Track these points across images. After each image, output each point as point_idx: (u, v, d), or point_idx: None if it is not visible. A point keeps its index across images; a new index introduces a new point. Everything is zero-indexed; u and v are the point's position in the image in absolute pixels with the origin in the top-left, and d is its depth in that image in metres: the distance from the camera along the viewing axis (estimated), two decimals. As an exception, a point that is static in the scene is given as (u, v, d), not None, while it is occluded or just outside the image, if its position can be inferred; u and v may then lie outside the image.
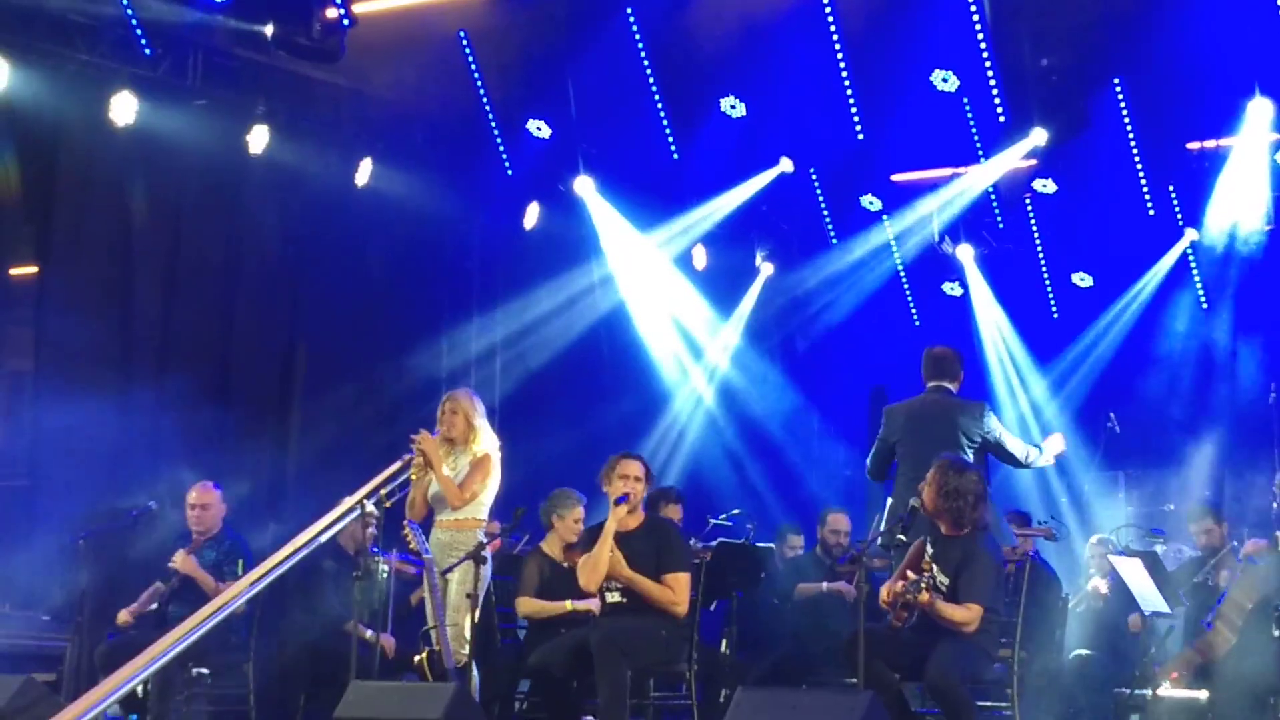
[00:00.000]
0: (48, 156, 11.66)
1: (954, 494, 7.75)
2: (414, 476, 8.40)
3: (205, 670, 9.36)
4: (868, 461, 9.63)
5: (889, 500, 9.47)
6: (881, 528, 9.10)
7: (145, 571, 10.00)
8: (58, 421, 11.30)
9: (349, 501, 7.97)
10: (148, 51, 11.15)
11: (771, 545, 11.32)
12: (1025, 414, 14.89)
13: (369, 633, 9.19)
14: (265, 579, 7.38)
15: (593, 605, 8.95)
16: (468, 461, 8.52)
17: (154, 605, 9.71)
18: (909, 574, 7.74)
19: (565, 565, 10.15)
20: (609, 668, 8.04)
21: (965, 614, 7.58)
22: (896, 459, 9.32)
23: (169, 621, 9.38)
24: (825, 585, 10.92)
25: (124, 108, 11.11)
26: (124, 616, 9.71)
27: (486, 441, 8.61)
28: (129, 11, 10.88)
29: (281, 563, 7.34)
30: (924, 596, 7.50)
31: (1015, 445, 9.26)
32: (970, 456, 8.88)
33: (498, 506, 8.83)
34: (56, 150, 11.66)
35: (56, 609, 10.71)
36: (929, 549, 7.77)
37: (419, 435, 8.45)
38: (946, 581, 7.72)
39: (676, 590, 8.36)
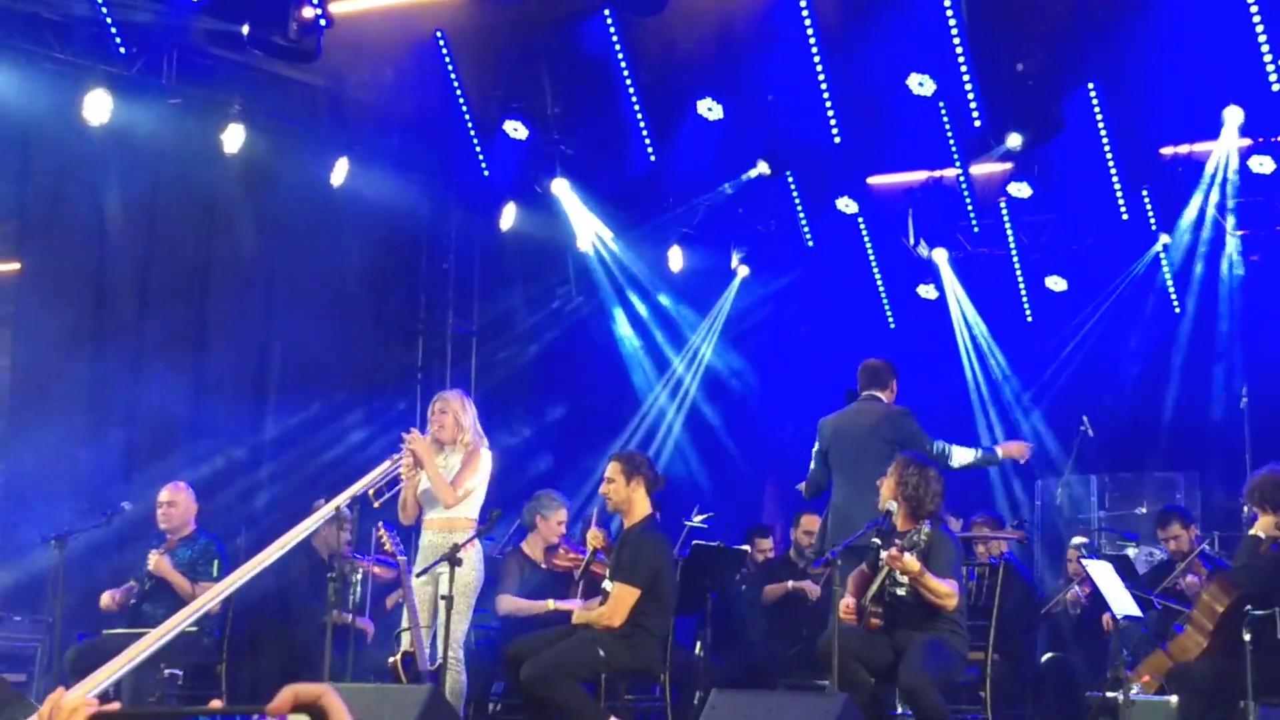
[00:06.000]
0: (21, 154, 11.60)
1: (914, 487, 7.92)
2: (405, 476, 8.41)
3: (178, 671, 9.33)
4: (805, 482, 9.73)
5: (828, 511, 9.56)
6: (828, 539, 9.20)
7: (117, 573, 9.97)
8: (32, 420, 11.26)
9: (335, 503, 7.95)
10: (122, 50, 11.11)
11: (746, 548, 11.35)
12: (996, 418, 14.94)
13: (349, 617, 9.20)
14: (243, 581, 7.34)
15: (574, 605, 8.97)
16: (459, 459, 8.53)
17: (132, 600, 9.70)
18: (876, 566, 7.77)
19: (544, 567, 10.21)
20: (554, 694, 8.04)
21: (948, 587, 7.66)
22: (831, 470, 9.45)
23: (141, 622, 9.39)
24: (790, 584, 11.00)
25: (98, 106, 11.04)
26: (107, 599, 9.70)
27: (477, 440, 8.62)
28: (103, 10, 10.84)
29: (260, 565, 7.30)
30: (913, 565, 7.55)
31: (927, 444, 9.33)
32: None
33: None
34: (30, 148, 11.61)
35: (27, 609, 10.65)
36: (888, 550, 7.78)
37: (409, 434, 8.46)
38: (905, 587, 7.78)
39: (610, 599, 8.29)
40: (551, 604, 9.61)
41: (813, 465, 9.62)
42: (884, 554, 7.70)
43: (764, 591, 11.07)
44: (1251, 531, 8.45)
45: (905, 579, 7.73)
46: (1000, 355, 15.03)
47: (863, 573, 8.16)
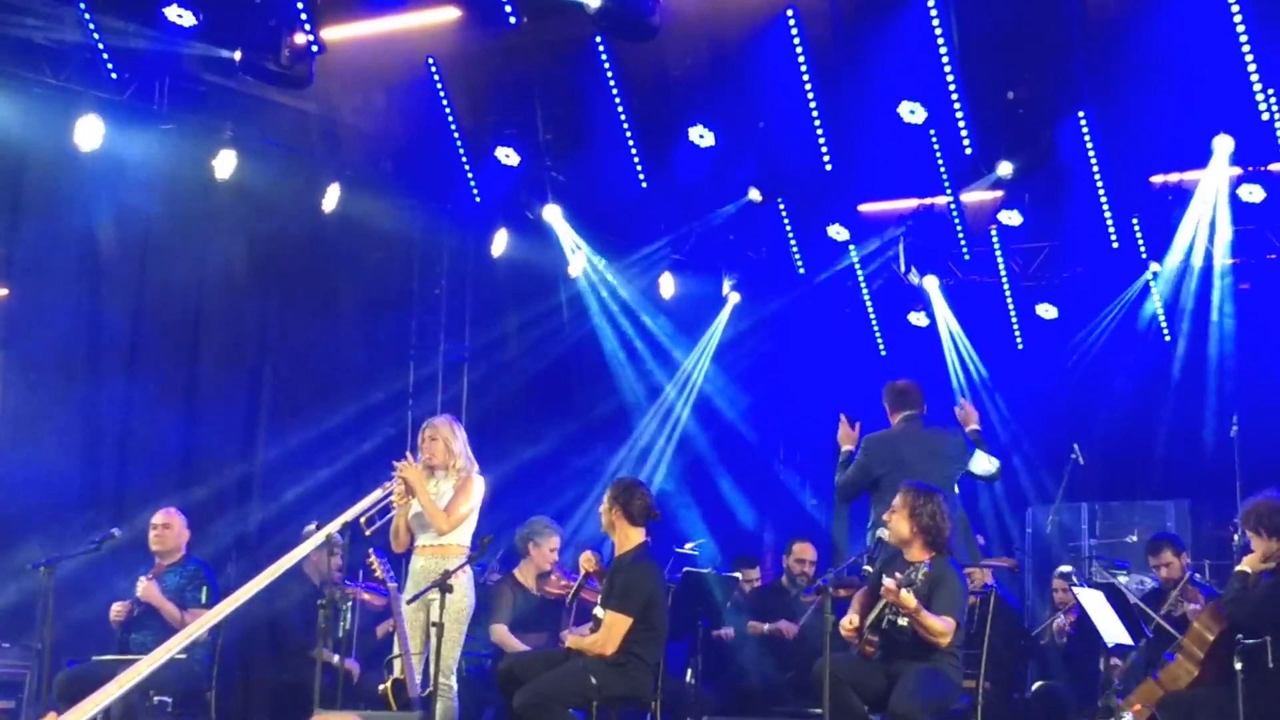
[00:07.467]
0: (13, 180, 11.59)
1: (929, 516, 7.87)
2: (396, 504, 8.39)
3: (168, 699, 9.29)
4: (842, 484, 9.57)
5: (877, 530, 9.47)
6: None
7: (107, 599, 9.93)
8: (23, 446, 11.23)
9: (326, 530, 7.94)
10: (114, 75, 11.11)
11: (737, 575, 11.34)
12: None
13: (335, 658, 9.17)
14: (234, 608, 7.33)
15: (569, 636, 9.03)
16: (451, 485, 8.51)
17: (121, 627, 9.67)
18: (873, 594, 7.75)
19: (537, 594, 10.20)
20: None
21: (944, 625, 7.62)
22: (876, 490, 9.33)
23: (130, 649, 9.35)
24: (766, 627, 10.98)
25: (90, 132, 11.02)
26: (118, 608, 9.64)
27: (468, 466, 8.60)
28: (95, 36, 10.83)
29: (251, 591, 7.28)
30: (910, 602, 7.52)
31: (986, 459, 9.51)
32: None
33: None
34: (22, 174, 11.60)
35: (16, 636, 10.61)
36: (887, 579, 7.76)
37: (401, 462, 8.44)
38: (904, 618, 7.76)
39: (603, 627, 8.25)
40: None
41: (855, 476, 9.41)
42: (886, 581, 7.68)
43: (747, 626, 11.07)
44: (1239, 567, 8.44)
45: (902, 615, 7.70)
46: (991, 382, 15.05)
47: (867, 594, 8.13)
